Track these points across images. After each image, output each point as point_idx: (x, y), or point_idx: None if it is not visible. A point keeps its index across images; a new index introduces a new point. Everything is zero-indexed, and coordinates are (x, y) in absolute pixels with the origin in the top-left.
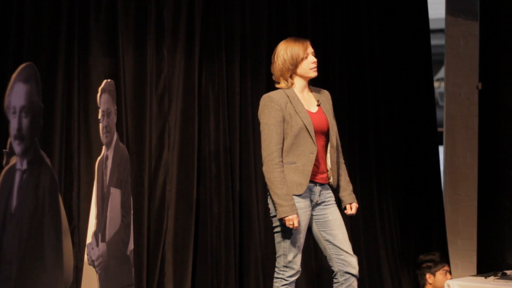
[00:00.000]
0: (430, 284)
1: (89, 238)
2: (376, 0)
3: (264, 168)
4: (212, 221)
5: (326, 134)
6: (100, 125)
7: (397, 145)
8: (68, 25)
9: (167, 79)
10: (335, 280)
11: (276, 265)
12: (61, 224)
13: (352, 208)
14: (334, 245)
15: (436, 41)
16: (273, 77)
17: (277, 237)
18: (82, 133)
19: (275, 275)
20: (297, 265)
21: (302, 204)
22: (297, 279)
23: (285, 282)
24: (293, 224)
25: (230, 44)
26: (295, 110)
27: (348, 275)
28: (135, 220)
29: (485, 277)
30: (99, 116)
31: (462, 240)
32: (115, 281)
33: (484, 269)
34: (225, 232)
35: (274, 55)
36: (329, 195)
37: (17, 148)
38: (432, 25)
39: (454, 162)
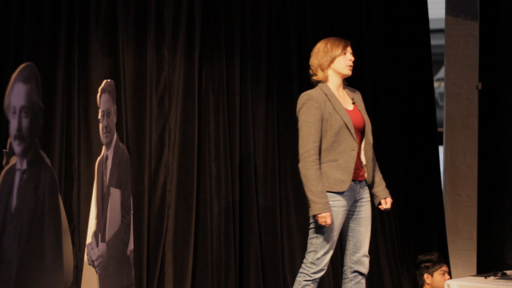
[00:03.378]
0: (428, 284)
1: (89, 238)
2: (376, 0)
3: (301, 165)
4: (212, 221)
5: (361, 132)
6: (100, 125)
7: (397, 145)
8: (68, 25)
9: (167, 79)
10: (344, 276)
11: (304, 261)
12: (61, 224)
13: (387, 203)
14: (355, 241)
15: (436, 41)
16: (310, 71)
17: (311, 233)
18: (82, 133)
19: (301, 270)
20: (324, 263)
21: (342, 203)
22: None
23: (308, 278)
24: (326, 221)
25: (230, 44)
26: (334, 108)
27: (357, 273)
28: (135, 220)
29: (485, 277)
30: (99, 116)
31: (462, 240)
32: (115, 281)
33: (484, 269)
34: (225, 232)
35: (314, 49)
36: (366, 192)
37: (17, 148)
38: (432, 25)
39: (454, 162)
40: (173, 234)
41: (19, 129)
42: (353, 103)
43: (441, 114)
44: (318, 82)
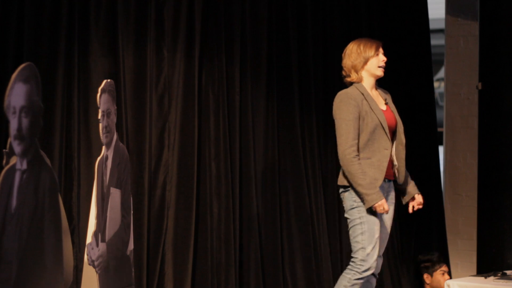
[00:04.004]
0: (428, 284)
1: (89, 238)
2: (376, 0)
3: (343, 162)
4: (212, 221)
5: (393, 132)
6: (100, 125)
7: None
8: (68, 25)
9: (167, 79)
10: None
11: (352, 260)
12: (61, 224)
13: (418, 198)
14: None
15: (436, 41)
16: (343, 72)
17: (355, 231)
18: (82, 133)
19: (350, 268)
20: (373, 259)
21: None
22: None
23: (359, 276)
24: (383, 208)
25: (230, 44)
26: (370, 107)
27: None
28: (135, 220)
29: (485, 277)
30: (99, 116)
31: (462, 240)
32: (115, 281)
33: (484, 269)
34: (225, 232)
35: (346, 50)
36: (392, 193)
37: (17, 148)
38: (432, 25)
39: (454, 162)
40: (173, 234)
41: (19, 129)
42: (386, 104)
43: (441, 114)
44: (351, 83)
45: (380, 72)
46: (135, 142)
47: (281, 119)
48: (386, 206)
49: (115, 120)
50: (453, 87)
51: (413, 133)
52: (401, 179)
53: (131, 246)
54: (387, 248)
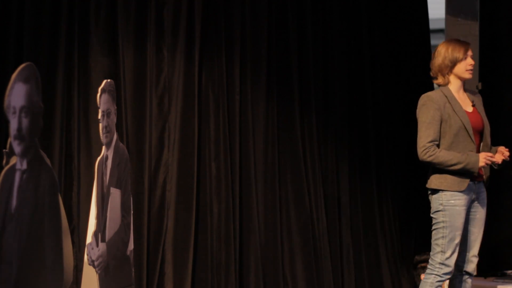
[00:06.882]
0: None
1: (89, 238)
2: (376, 0)
3: (425, 163)
4: (212, 221)
5: (480, 133)
6: (100, 125)
7: (397, 145)
8: (68, 25)
9: (167, 79)
10: (452, 276)
11: (431, 262)
12: (61, 224)
13: (500, 148)
14: (467, 241)
15: (436, 41)
16: (430, 73)
17: (436, 234)
18: (82, 133)
19: (429, 271)
20: (452, 263)
21: (462, 202)
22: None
23: (439, 279)
24: (489, 159)
25: (230, 44)
26: (454, 110)
27: (464, 272)
28: (135, 220)
29: (485, 277)
30: (99, 116)
31: None
32: (115, 281)
33: (484, 269)
34: (225, 232)
35: (435, 51)
36: (483, 194)
37: (17, 148)
38: (432, 25)
39: None
40: (173, 234)
41: (19, 129)
42: (473, 106)
43: None
44: (439, 85)
45: (468, 75)
46: (135, 142)
47: (281, 119)
48: (487, 156)
49: (115, 120)
50: None
51: (413, 133)
52: (486, 180)
53: (131, 246)
54: (387, 248)
